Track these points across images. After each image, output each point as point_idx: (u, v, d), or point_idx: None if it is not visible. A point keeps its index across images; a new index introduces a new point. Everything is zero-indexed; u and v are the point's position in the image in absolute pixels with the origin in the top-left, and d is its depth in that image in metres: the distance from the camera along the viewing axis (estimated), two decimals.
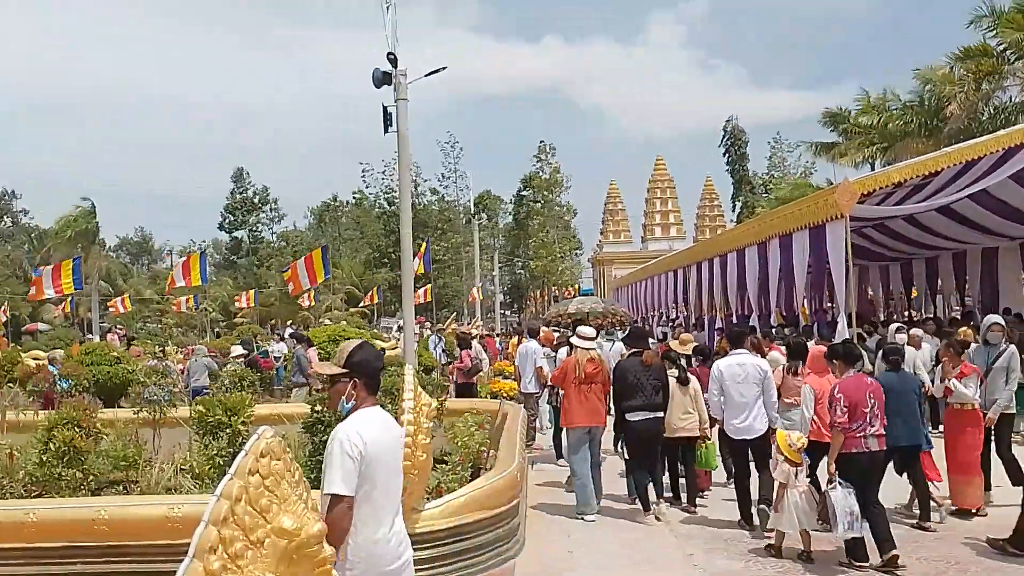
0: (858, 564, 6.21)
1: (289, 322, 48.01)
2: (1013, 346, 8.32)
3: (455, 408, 9.72)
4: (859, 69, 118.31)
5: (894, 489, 7.34)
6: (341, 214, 66.01)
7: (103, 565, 5.60)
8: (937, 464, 7.58)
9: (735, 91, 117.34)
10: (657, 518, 7.70)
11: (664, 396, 7.91)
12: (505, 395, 11.75)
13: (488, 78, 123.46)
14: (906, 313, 22.86)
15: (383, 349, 18.51)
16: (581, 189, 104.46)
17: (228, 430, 6.94)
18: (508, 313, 67.18)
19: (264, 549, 2.32)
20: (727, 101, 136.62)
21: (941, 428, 8.56)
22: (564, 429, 8.90)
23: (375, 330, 27.78)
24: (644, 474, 7.83)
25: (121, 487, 6.92)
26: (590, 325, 10.28)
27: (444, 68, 16.39)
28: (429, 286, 33.64)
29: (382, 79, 14.61)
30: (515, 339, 18.20)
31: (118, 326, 38.63)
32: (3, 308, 34.11)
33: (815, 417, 7.14)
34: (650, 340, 11.78)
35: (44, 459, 6.54)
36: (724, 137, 64.24)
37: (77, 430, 6.56)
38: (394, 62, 14.67)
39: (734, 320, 19.37)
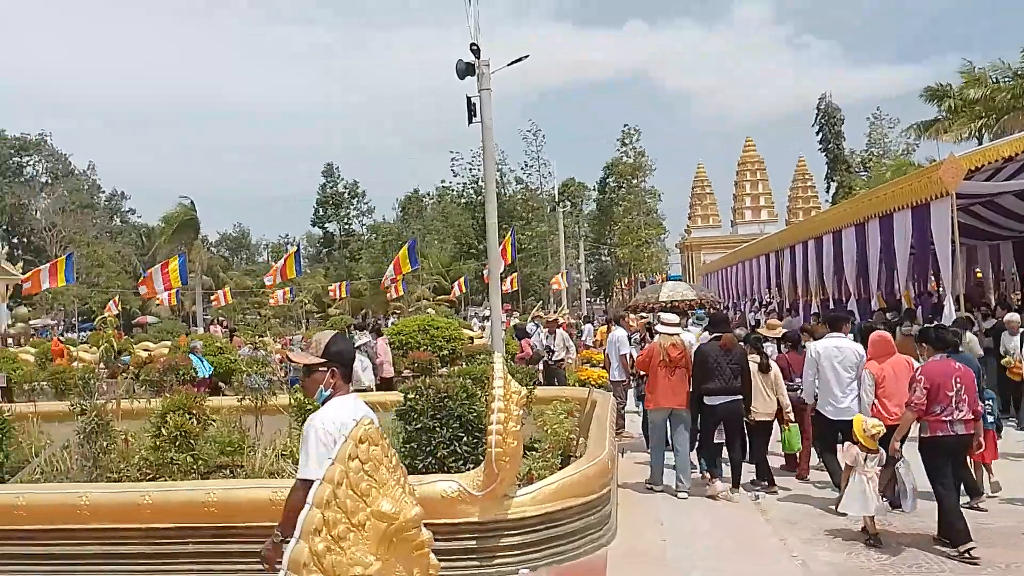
0: (962, 550, 5.97)
1: (362, 311, 49.16)
2: None
3: (544, 396, 9.77)
4: (959, 42, 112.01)
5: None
6: (425, 206, 67.03)
7: (213, 545, 5.88)
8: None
9: (827, 68, 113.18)
10: (728, 499, 7.87)
11: (743, 380, 8.06)
12: (594, 383, 11.73)
13: (570, 66, 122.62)
14: (1017, 294, 21.55)
15: (471, 338, 18.78)
16: (667, 174, 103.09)
17: None
18: (594, 301, 66.89)
19: (365, 532, 2.39)
20: (818, 79, 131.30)
21: None
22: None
23: (461, 319, 28.08)
24: (715, 451, 8.15)
25: (228, 471, 7.24)
26: (674, 311, 10.50)
27: (526, 56, 16.39)
28: (515, 275, 33.73)
29: (465, 70, 14.73)
30: (604, 327, 18.08)
31: (220, 318, 40.43)
32: (115, 301, 36.15)
33: (876, 402, 7.07)
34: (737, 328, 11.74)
35: (158, 444, 6.90)
36: (818, 116, 61.90)
37: (187, 416, 6.88)
38: (477, 53, 14.77)
39: (831, 305, 18.69)
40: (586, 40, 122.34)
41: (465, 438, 6.61)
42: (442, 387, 6.85)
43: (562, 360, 13.64)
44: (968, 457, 6.96)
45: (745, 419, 8.19)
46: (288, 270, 18.89)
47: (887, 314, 14.87)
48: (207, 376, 12.94)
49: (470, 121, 15.02)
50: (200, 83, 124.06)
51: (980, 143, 24.67)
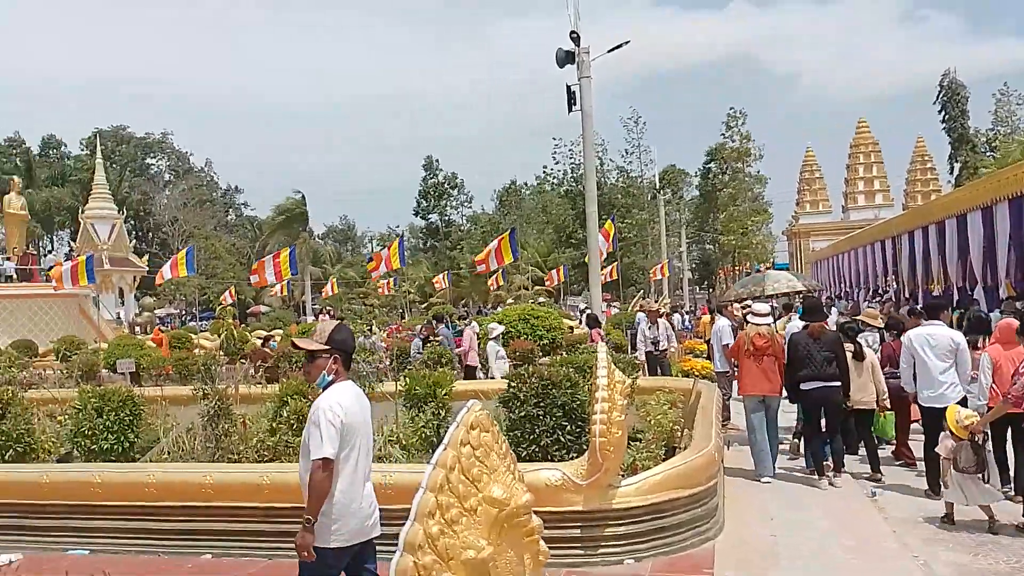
0: None
1: (463, 301, 49.78)
2: None
3: (646, 386, 9.65)
4: None
5: None
6: (523, 196, 67.24)
7: None
8: None
9: (947, 43, 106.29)
10: (832, 484, 7.89)
11: (838, 367, 8.12)
12: (697, 373, 11.49)
13: (671, 51, 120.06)
14: None
15: (571, 328, 18.74)
16: (774, 159, 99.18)
17: (432, 403, 7.28)
18: (697, 289, 65.53)
19: (477, 516, 2.42)
20: (938, 55, 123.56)
21: None
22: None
23: (561, 309, 28.03)
24: (818, 440, 8.20)
25: None
26: (766, 302, 11.22)
27: (627, 43, 16.18)
28: (615, 264, 33.40)
29: (565, 58, 14.67)
30: (707, 317, 17.68)
31: (327, 307, 41.90)
32: (230, 292, 38.01)
33: (993, 385, 6.99)
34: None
35: (275, 427, 7.21)
36: (940, 93, 58.46)
37: (304, 401, 7.15)
38: (577, 40, 14.67)
39: (954, 293, 17.65)
40: (688, 23, 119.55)
41: (568, 427, 6.61)
42: (545, 375, 6.86)
43: (665, 350, 13.44)
44: None
45: (844, 405, 8.23)
46: (392, 260, 19.32)
47: (1017, 303, 13.92)
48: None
49: (570, 109, 14.96)
50: (308, 78, 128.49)
51: None
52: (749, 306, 15.17)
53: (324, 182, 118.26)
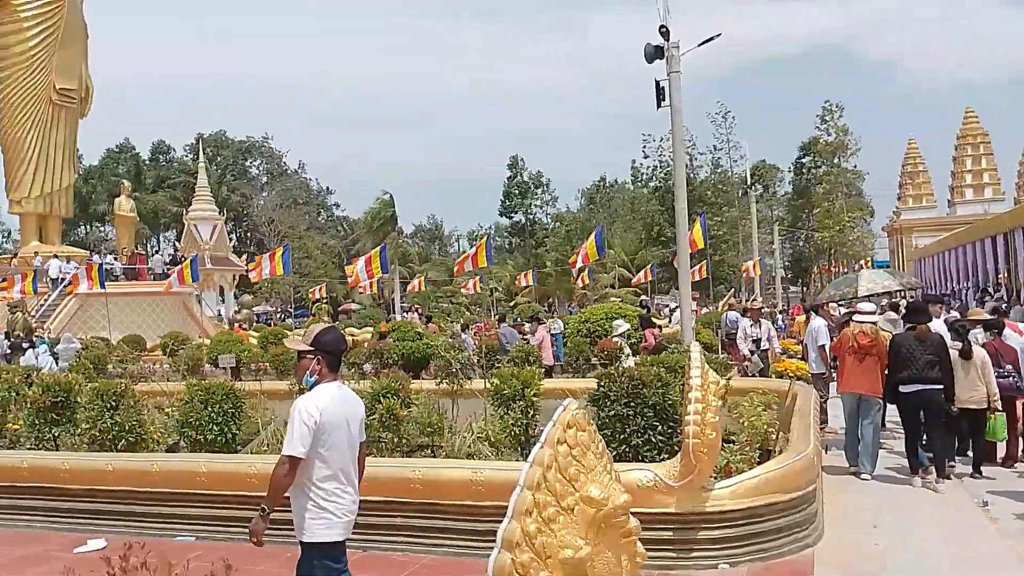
0: None
1: (548, 300, 49.68)
2: None
3: (739, 387, 9.41)
4: None
5: None
6: (611, 195, 66.74)
7: (419, 519, 6.21)
8: None
9: None
10: (931, 488, 7.72)
11: (942, 370, 7.97)
12: (791, 375, 11.12)
13: (761, 41, 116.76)
14: None
15: (660, 327, 18.45)
16: (872, 151, 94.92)
17: (521, 402, 7.29)
18: (791, 288, 63.58)
19: (574, 516, 2.39)
20: None
21: None
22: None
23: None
24: (913, 441, 8.04)
25: (428, 451, 7.60)
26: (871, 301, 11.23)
27: (718, 35, 15.79)
28: (704, 262, 32.72)
29: (654, 53, 14.41)
30: (803, 316, 17.10)
31: (415, 305, 42.64)
32: (320, 289, 39.18)
33: None
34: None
35: (368, 423, 7.35)
36: None
37: (396, 399, 7.28)
38: (666, 35, 14.41)
39: None
40: (780, 14, 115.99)
41: (659, 427, 6.51)
42: (635, 375, 6.77)
43: (767, 350, 13.09)
44: None
45: (949, 409, 8.07)
46: (480, 258, 19.48)
47: None
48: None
49: (659, 105, 14.70)
50: (391, 79, 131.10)
51: None
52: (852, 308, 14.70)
53: (412, 181, 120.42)
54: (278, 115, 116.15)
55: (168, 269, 28.95)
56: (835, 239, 49.15)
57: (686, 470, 5.42)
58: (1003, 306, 15.15)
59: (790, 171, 62.11)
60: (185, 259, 28.57)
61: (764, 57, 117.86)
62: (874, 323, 8.71)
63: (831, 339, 11.01)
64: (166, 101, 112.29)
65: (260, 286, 47.32)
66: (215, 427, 7.88)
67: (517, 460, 6.77)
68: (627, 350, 13.10)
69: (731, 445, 7.14)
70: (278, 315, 50.19)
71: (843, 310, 14.39)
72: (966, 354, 8.33)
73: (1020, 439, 8.75)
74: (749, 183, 43.98)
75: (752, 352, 12.95)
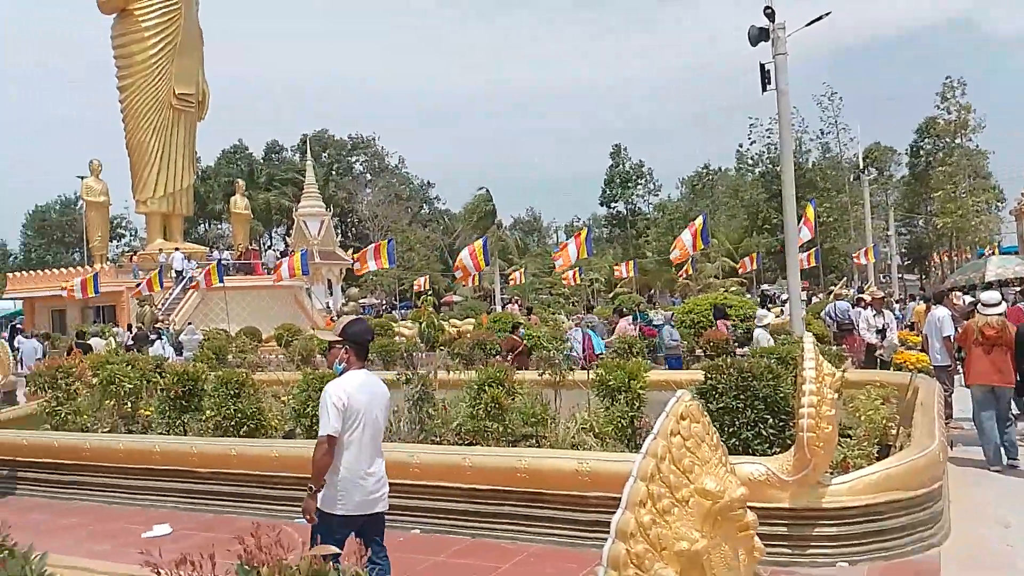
0: None
1: (649, 290, 48.89)
2: None
3: (855, 380, 9.02)
4: None
5: None
6: (715, 183, 65.14)
7: (525, 508, 6.26)
8: None
9: None
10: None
11: None
12: (912, 367, 10.58)
13: (876, 19, 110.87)
14: None
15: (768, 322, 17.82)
16: (999, 131, 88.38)
17: (627, 393, 7.23)
18: (908, 276, 60.38)
19: (689, 508, 2.36)
20: None
21: None
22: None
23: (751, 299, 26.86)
24: (997, 424, 7.96)
25: (533, 441, 7.64)
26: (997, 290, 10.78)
27: (828, 14, 15.13)
28: (813, 250, 31.44)
29: (758, 36, 13.98)
30: (923, 306, 16.22)
31: (516, 297, 42.97)
32: (424, 281, 40.00)
33: None
34: None
35: (475, 412, 7.47)
36: None
37: (501, 388, 7.36)
38: (771, 16, 13.93)
39: None
40: None
41: (771, 420, 6.34)
42: (745, 367, 6.60)
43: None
44: None
45: None
46: (580, 250, 19.44)
47: None
48: (599, 352, 13.45)
49: (764, 88, 14.24)
50: (494, 74, 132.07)
51: None
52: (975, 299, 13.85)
53: (510, 175, 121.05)
54: (378, 113, 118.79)
55: (278, 262, 30.29)
56: (957, 224, 46.29)
57: (800, 464, 5.25)
58: None
59: (907, 153, 58.90)
60: (294, 252, 29.79)
61: (873, 36, 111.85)
62: (1001, 314, 8.41)
63: (956, 330, 10.40)
64: (271, 101, 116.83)
65: (365, 279, 48.73)
66: None
67: (623, 451, 6.72)
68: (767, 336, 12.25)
69: (848, 440, 6.86)
70: (383, 307, 51.57)
71: (967, 299, 13.60)
72: None
73: None
74: (862, 167, 41.99)
75: (871, 345, 12.41)
